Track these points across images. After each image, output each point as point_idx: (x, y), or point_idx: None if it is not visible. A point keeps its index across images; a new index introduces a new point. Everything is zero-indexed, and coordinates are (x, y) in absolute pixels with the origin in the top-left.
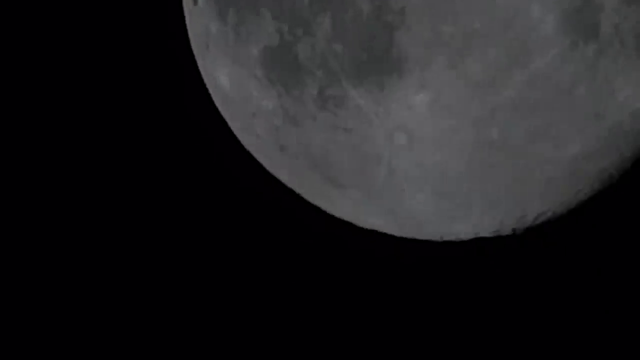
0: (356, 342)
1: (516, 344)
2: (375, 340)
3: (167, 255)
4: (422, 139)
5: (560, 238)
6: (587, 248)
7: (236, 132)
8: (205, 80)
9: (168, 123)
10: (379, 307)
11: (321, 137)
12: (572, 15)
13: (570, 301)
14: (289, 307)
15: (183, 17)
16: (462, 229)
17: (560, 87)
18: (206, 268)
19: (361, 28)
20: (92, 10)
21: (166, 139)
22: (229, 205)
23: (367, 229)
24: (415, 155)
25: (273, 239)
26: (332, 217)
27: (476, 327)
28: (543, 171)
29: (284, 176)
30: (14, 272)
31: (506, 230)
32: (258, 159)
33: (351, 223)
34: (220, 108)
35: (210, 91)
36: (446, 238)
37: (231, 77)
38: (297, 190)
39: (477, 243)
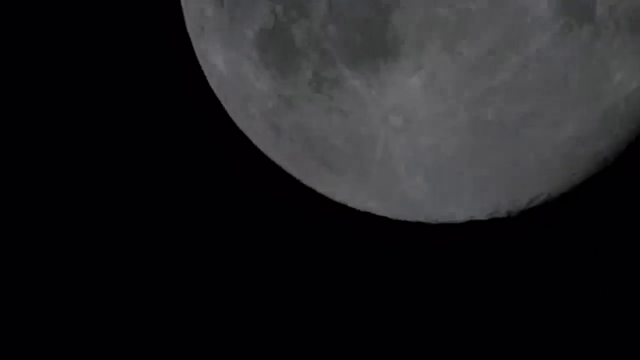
0: (351, 325)
1: (511, 328)
2: (370, 324)
3: (162, 236)
4: (416, 121)
5: (555, 221)
6: (581, 231)
7: (231, 114)
8: (201, 62)
9: (164, 105)
10: (373, 290)
11: (316, 120)
12: None
13: (564, 284)
14: (284, 289)
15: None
16: (456, 212)
17: (555, 70)
18: (201, 249)
19: (356, 10)
20: None
21: (162, 121)
22: (224, 187)
23: (361, 212)
24: (410, 138)
25: (268, 221)
26: (326, 199)
27: (471, 311)
28: (537, 154)
29: (279, 158)
30: (17, 271)
31: (501, 213)
32: (253, 142)
33: (346, 205)
34: (215, 90)
35: (206, 73)
36: (441, 221)
37: (226, 59)
38: (292, 172)
39: (472, 226)
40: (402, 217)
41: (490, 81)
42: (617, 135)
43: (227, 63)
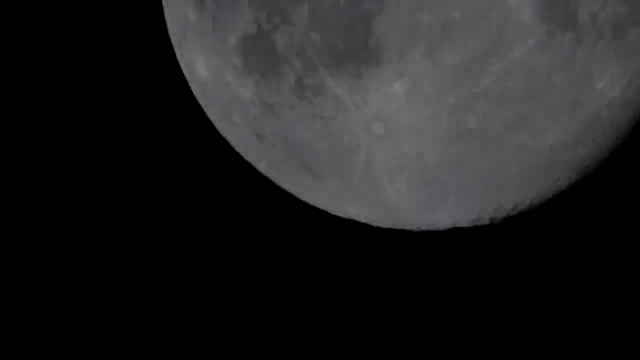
0: (332, 332)
1: (493, 333)
2: (352, 330)
3: (144, 242)
4: (399, 128)
5: (538, 228)
6: (565, 238)
7: (214, 120)
8: (183, 68)
9: (145, 111)
10: (356, 298)
11: (299, 126)
12: (549, 5)
13: (548, 290)
14: (264, 294)
15: (160, 4)
16: (439, 219)
17: (538, 77)
18: (183, 255)
19: (339, 16)
20: None
21: (143, 127)
22: (206, 194)
23: (344, 219)
24: (393, 145)
25: (250, 227)
26: (309, 206)
27: (454, 317)
28: (520, 160)
29: (261, 165)
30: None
31: (484, 220)
32: (235, 148)
33: (328, 212)
34: (197, 96)
35: (188, 79)
36: (424, 228)
37: (209, 65)
38: (275, 179)
39: (455, 233)
40: (384, 224)
41: (473, 88)
42: (600, 142)
43: (209, 69)
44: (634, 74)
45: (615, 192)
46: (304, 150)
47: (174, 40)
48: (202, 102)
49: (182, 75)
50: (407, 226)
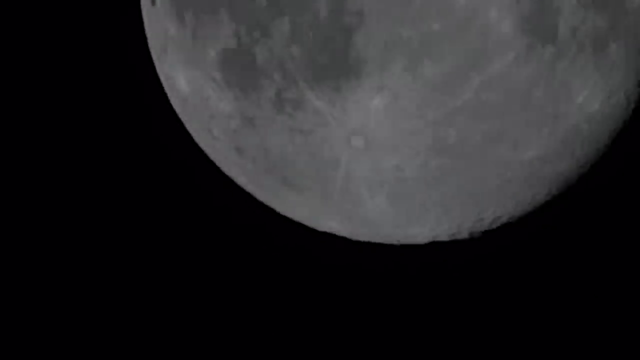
0: (312, 345)
1: (471, 347)
2: (331, 344)
3: (122, 255)
4: (379, 142)
5: (517, 241)
6: (544, 251)
7: (193, 134)
8: (163, 82)
9: (125, 124)
10: (335, 311)
11: (278, 140)
12: (529, 19)
13: (526, 303)
14: (244, 309)
15: (141, 18)
16: (419, 233)
17: (518, 90)
18: (160, 269)
19: (319, 31)
20: (50, 10)
21: (123, 139)
22: (186, 208)
23: (324, 232)
24: (372, 158)
25: (229, 241)
26: (289, 220)
27: (433, 330)
28: (500, 174)
29: (241, 178)
30: None
31: (463, 234)
32: (215, 161)
33: (308, 226)
34: (177, 110)
35: (168, 93)
36: (403, 241)
37: (189, 79)
38: (254, 192)
39: (434, 247)
40: (363, 238)
41: (454, 101)
42: (580, 156)
43: (189, 83)
44: (614, 89)
45: (594, 205)
46: (284, 164)
47: (154, 54)
48: (182, 115)
49: (162, 89)
50: (386, 240)
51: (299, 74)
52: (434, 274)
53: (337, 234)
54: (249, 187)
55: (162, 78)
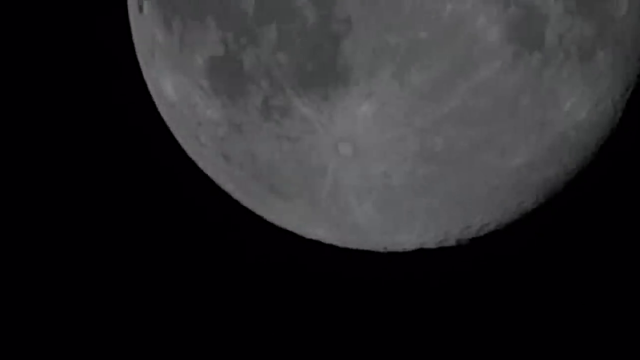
0: (299, 353)
1: (458, 352)
2: (318, 352)
3: (107, 264)
4: (366, 149)
5: (505, 249)
6: (531, 258)
7: (181, 141)
8: (150, 89)
9: (112, 131)
10: (322, 318)
11: (266, 147)
12: (516, 26)
13: (513, 310)
14: (231, 316)
15: (128, 25)
16: (406, 240)
17: (505, 97)
18: (148, 277)
19: (306, 37)
20: (36, 16)
21: (110, 147)
22: (173, 215)
23: (311, 240)
24: (360, 166)
25: (216, 248)
26: (276, 227)
27: (420, 338)
28: (487, 181)
29: (228, 186)
30: None
31: (450, 241)
32: (203, 169)
33: (295, 233)
34: (165, 117)
35: (155, 100)
36: (390, 249)
37: (176, 86)
38: (242, 200)
39: (422, 254)
40: (351, 245)
41: (441, 108)
42: (567, 164)
43: (177, 90)
44: (601, 96)
45: (582, 212)
46: (271, 171)
47: (142, 61)
48: (170, 122)
49: (150, 96)
50: (373, 247)
51: (286, 81)
52: (422, 281)
53: (324, 241)
54: (236, 194)
55: (150, 85)
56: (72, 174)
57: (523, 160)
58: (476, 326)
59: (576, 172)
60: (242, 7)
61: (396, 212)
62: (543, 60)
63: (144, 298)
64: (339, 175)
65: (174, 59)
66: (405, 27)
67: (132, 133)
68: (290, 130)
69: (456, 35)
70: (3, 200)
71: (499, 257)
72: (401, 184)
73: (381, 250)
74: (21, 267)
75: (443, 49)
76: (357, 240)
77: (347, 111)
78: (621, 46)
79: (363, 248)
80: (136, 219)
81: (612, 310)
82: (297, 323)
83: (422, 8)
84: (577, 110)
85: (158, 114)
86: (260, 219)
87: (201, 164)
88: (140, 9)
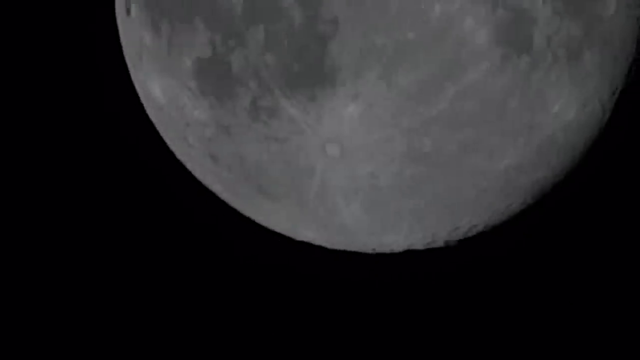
0: (285, 354)
1: (445, 354)
2: (305, 352)
3: (96, 264)
4: (354, 150)
5: (493, 250)
6: (519, 260)
7: (169, 142)
8: (139, 91)
9: (100, 133)
10: (310, 320)
11: (254, 148)
12: (505, 28)
13: (501, 312)
14: (219, 317)
15: (116, 27)
16: (394, 241)
17: (493, 100)
18: (136, 278)
19: (294, 39)
20: (24, 18)
21: (99, 148)
22: (161, 216)
23: (299, 241)
24: (347, 167)
25: (204, 249)
26: (264, 228)
27: (408, 339)
28: (475, 183)
29: (216, 187)
30: None
31: (438, 243)
32: (191, 170)
33: (283, 234)
34: (153, 118)
35: (143, 102)
36: (378, 250)
37: (164, 87)
38: (230, 201)
39: (410, 255)
40: (339, 247)
41: (428, 110)
42: (555, 166)
43: (165, 91)
44: (589, 97)
45: (570, 214)
46: (259, 172)
47: (130, 63)
48: (158, 124)
49: (138, 98)
50: (361, 248)
51: (273, 82)
52: (410, 282)
53: (312, 242)
54: (224, 195)
55: (138, 87)
56: (61, 175)
57: (511, 163)
58: (464, 327)
59: (564, 173)
60: (229, 9)
61: (383, 213)
62: (531, 63)
63: (132, 297)
64: (327, 176)
65: (162, 61)
66: (392, 28)
67: (120, 134)
68: (278, 131)
69: (444, 37)
70: None
71: (487, 258)
72: (388, 185)
73: (369, 251)
74: (5, 269)
75: (431, 51)
76: (345, 241)
77: (335, 112)
78: (609, 46)
79: (351, 249)
80: (125, 220)
81: (599, 311)
82: (286, 324)
83: (410, 9)
84: (565, 112)
85: (146, 115)
86: (248, 220)
87: (189, 165)
88: (128, 11)
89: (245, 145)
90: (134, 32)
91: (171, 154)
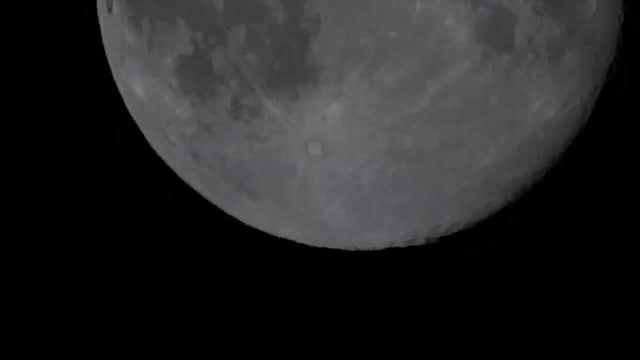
0: (265, 351)
1: (426, 351)
2: (285, 350)
3: (76, 260)
4: (336, 148)
5: (474, 248)
6: (500, 258)
7: (150, 140)
8: (120, 88)
9: (82, 131)
10: (292, 318)
11: (235, 147)
12: (486, 26)
13: (482, 310)
14: (200, 316)
15: (98, 26)
16: (375, 239)
17: (474, 98)
18: (115, 276)
19: (276, 37)
20: (6, 16)
21: (80, 146)
22: (142, 214)
23: (281, 239)
24: (329, 165)
25: (185, 247)
26: (245, 226)
27: (389, 336)
28: (456, 181)
29: (197, 185)
30: None
31: (420, 241)
32: (172, 168)
33: (265, 233)
34: (134, 116)
35: (125, 100)
36: (360, 248)
37: (146, 85)
38: (211, 199)
39: (391, 253)
40: (320, 244)
41: (410, 109)
42: (536, 164)
43: (146, 89)
44: (569, 96)
45: (550, 212)
46: (240, 171)
47: (111, 61)
48: (139, 121)
49: (119, 96)
50: (343, 246)
51: (255, 81)
52: (391, 280)
53: (294, 240)
54: (206, 193)
55: (119, 84)
56: (41, 172)
57: (492, 161)
58: (444, 324)
59: (545, 171)
60: (211, 7)
61: (365, 211)
62: (512, 61)
63: (109, 291)
64: (308, 174)
65: (144, 59)
66: (374, 27)
67: (102, 132)
68: (259, 130)
69: (425, 36)
70: None
71: (468, 256)
72: (370, 183)
73: (350, 249)
74: None
75: (412, 49)
76: (326, 239)
77: (316, 111)
78: (590, 45)
79: (332, 247)
80: (105, 217)
81: (578, 307)
82: (267, 322)
83: (391, 8)
84: (545, 110)
85: (127, 113)
86: (229, 218)
87: (170, 163)
88: (110, 9)
89: (226, 143)
90: (115, 30)
91: (152, 152)
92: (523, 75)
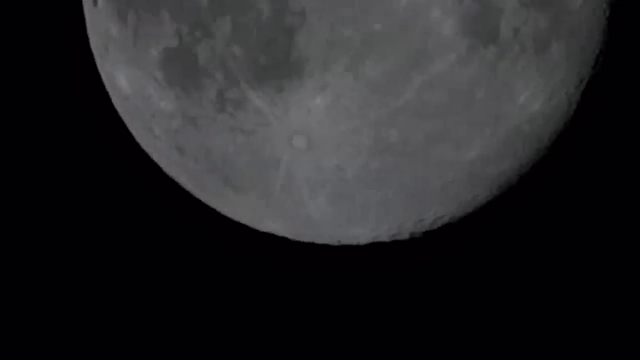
0: (252, 348)
1: (410, 346)
2: (270, 344)
3: (61, 255)
4: (320, 141)
5: (459, 242)
6: (485, 252)
7: (135, 133)
8: (105, 81)
9: (66, 124)
10: (275, 312)
11: (220, 140)
12: (471, 19)
13: (466, 304)
14: (184, 310)
15: (83, 18)
16: (360, 233)
17: (460, 90)
18: (101, 272)
19: (261, 30)
20: None
21: (64, 139)
22: (126, 207)
23: (265, 233)
24: (314, 159)
25: (170, 241)
26: (229, 220)
27: (373, 331)
28: (442, 175)
29: (182, 178)
30: None
31: (404, 235)
32: (156, 161)
33: (249, 227)
34: (119, 109)
35: (110, 92)
36: (344, 242)
37: (130, 78)
38: (196, 193)
39: (375, 247)
40: (304, 239)
41: (395, 102)
42: (521, 157)
43: (131, 82)
44: (555, 89)
45: (535, 206)
46: (225, 164)
47: (96, 54)
48: (123, 115)
49: (104, 88)
50: (327, 240)
51: (240, 74)
52: (375, 275)
53: (278, 234)
54: (190, 187)
55: (104, 77)
56: (25, 167)
57: (477, 154)
58: (428, 318)
59: (530, 165)
60: (196, 0)
61: (349, 205)
62: (498, 53)
63: (94, 290)
64: (293, 168)
65: (128, 51)
66: (360, 20)
67: (86, 125)
68: (244, 122)
69: (410, 28)
70: None
71: (453, 250)
72: (355, 177)
73: (335, 243)
74: None
75: (397, 42)
76: (311, 233)
77: (301, 104)
78: (576, 38)
79: (317, 241)
80: (89, 212)
81: (564, 301)
82: (251, 316)
83: (376, 1)
84: (531, 103)
85: (112, 106)
86: (214, 212)
87: (155, 157)
88: (95, 2)
89: (211, 136)
90: (100, 22)
91: (137, 145)
92: (509, 67)
